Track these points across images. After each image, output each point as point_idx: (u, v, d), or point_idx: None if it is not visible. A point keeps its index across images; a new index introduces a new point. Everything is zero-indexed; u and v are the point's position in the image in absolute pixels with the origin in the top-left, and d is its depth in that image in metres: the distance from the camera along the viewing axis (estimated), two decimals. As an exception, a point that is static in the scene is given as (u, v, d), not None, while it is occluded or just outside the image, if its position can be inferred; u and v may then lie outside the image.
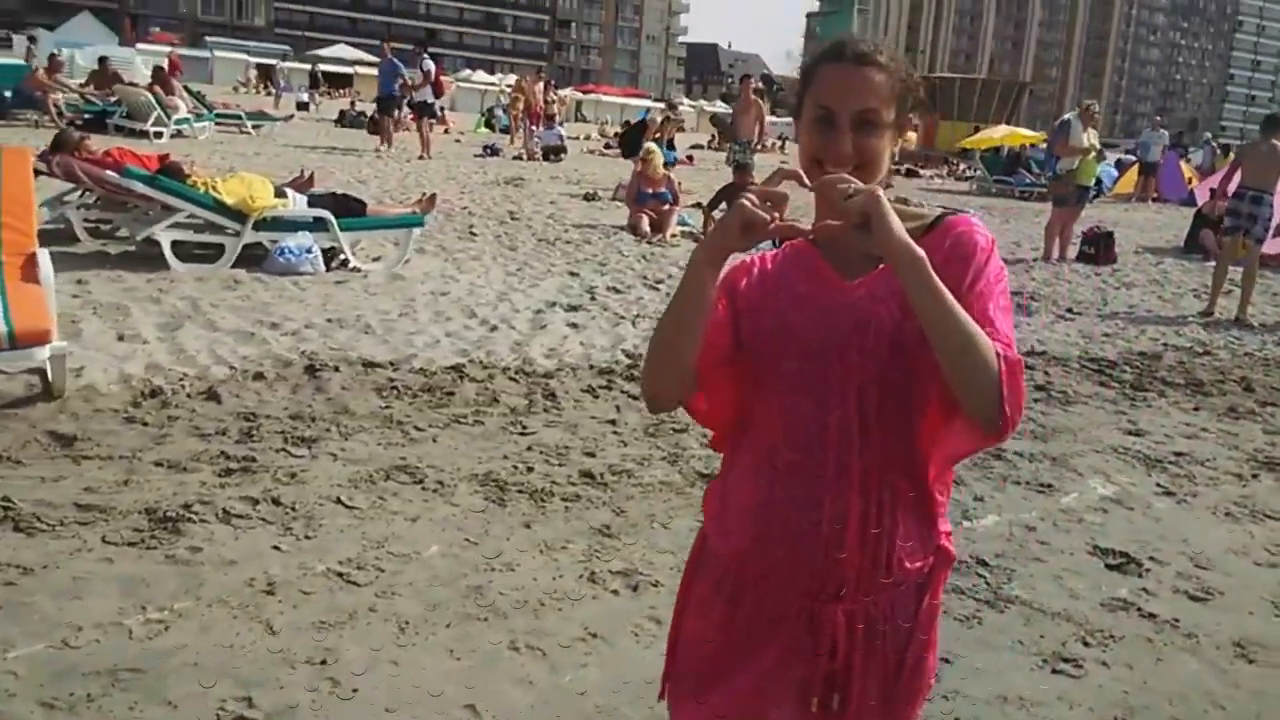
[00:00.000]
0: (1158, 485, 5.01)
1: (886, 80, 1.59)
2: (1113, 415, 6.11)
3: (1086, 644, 3.48)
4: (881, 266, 1.59)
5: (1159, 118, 27.91)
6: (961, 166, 31.49)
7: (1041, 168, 16.79)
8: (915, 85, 1.66)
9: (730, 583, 1.70)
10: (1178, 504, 4.82)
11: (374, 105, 21.67)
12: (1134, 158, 26.75)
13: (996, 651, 3.35)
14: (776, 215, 1.46)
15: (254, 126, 22.40)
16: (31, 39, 28.05)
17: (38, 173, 7.64)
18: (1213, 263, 11.30)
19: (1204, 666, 3.36)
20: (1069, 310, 9.32)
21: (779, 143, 43.81)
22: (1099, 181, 23.08)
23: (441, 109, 36.62)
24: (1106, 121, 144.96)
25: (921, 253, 1.44)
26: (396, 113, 20.49)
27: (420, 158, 18.64)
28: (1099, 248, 12.58)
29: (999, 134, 29.98)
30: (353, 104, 34.91)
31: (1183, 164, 26.19)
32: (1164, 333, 8.65)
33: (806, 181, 1.52)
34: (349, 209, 8.19)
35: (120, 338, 5.80)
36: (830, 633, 1.62)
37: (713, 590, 1.73)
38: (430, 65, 19.19)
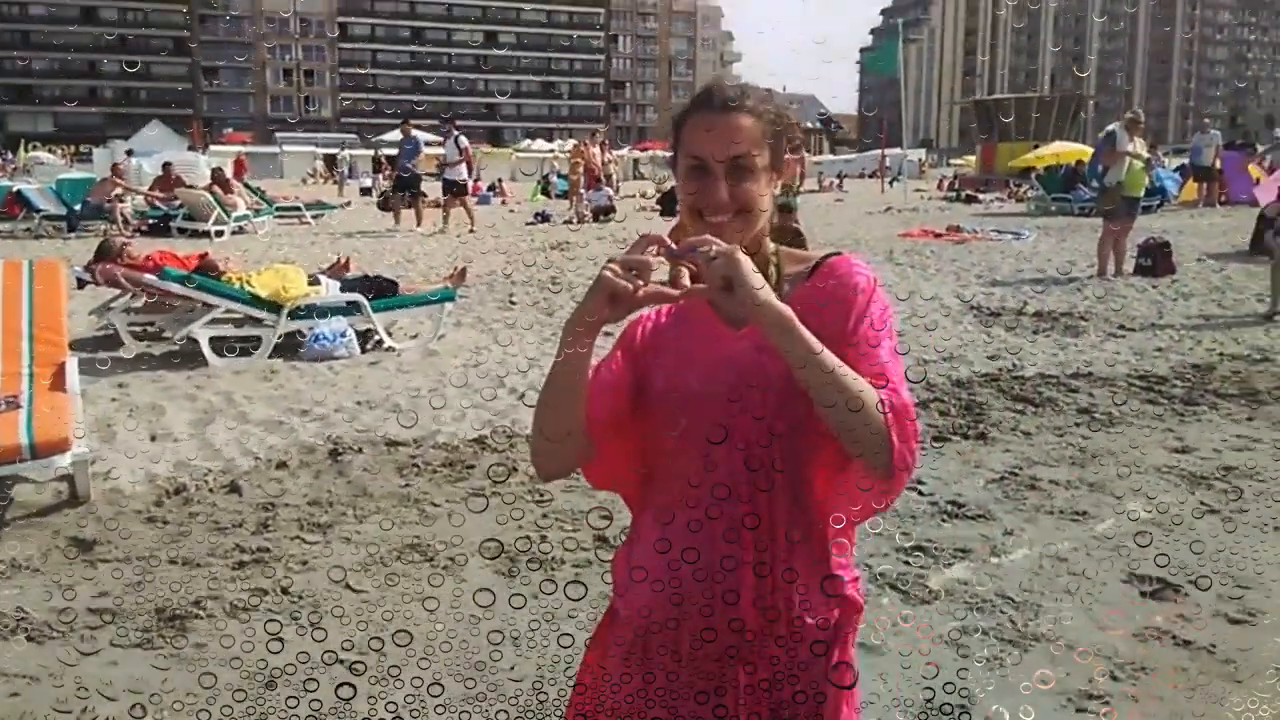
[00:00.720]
0: (1201, 503, 4.80)
1: (756, 124, 1.59)
2: (1159, 434, 5.88)
3: (1115, 679, 3.32)
4: None
5: (1207, 120, 27.17)
6: (1023, 188, 31.07)
7: (1092, 181, 16.43)
8: (789, 125, 1.65)
9: (640, 649, 1.65)
10: (1222, 522, 4.60)
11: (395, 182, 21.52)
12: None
13: (1017, 694, 3.21)
14: (641, 283, 1.43)
15: (314, 216, 22.96)
16: (129, 152, 29.62)
17: (83, 282, 7.96)
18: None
19: (1241, 694, 3.18)
20: (1120, 327, 9.04)
21: (837, 180, 43.77)
22: (1163, 190, 22.55)
23: (499, 180, 37.36)
24: (1177, 127, 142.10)
25: (787, 311, 1.42)
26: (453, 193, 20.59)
27: (472, 231, 18.84)
28: (1156, 259, 12.22)
29: (1048, 152, 29.59)
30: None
31: (1252, 165, 25.38)
32: (1221, 342, 8.34)
33: (671, 246, 1.49)
34: (381, 290, 8.33)
35: (152, 438, 5.92)
36: (735, 696, 1.57)
37: (623, 659, 1.68)
38: (465, 141, 19.30)
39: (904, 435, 1.43)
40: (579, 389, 1.55)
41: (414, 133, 20.65)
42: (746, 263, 1.41)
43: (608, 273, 1.44)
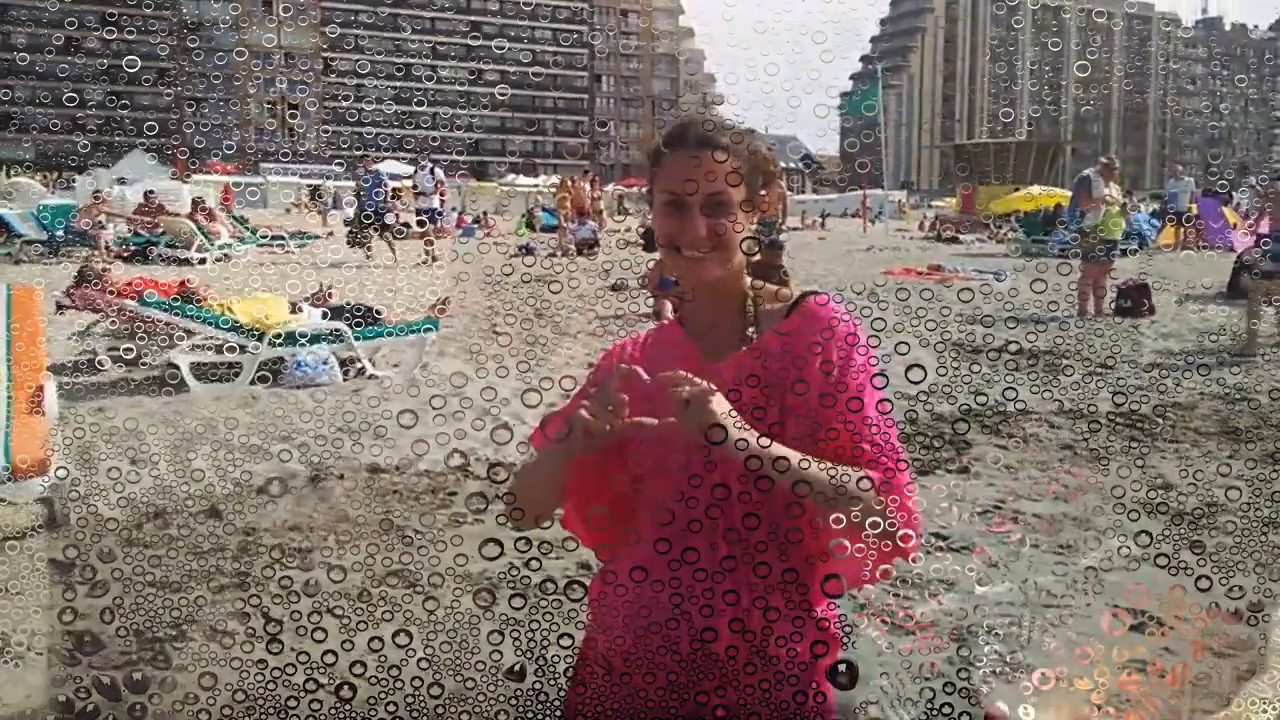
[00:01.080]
0: (1184, 539, 4.81)
1: (732, 161, 1.59)
2: (1141, 471, 5.91)
3: (1103, 709, 3.30)
4: (748, 348, 1.57)
5: (1180, 166, 27.63)
6: (1004, 229, 31.36)
7: (1066, 224, 16.62)
8: (764, 160, 1.65)
9: (620, 685, 1.64)
10: (1206, 557, 4.60)
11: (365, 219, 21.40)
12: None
13: (1003, 725, 3.19)
14: (617, 421, 1.46)
15: (297, 246, 22.94)
16: (121, 179, 29.55)
17: (62, 307, 7.91)
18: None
19: (1228, 729, 3.17)
20: (1102, 366, 9.11)
21: (820, 219, 44.10)
22: (1140, 234, 22.78)
23: (484, 214, 37.38)
24: (1154, 173, 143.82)
25: (756, 439, 1.44)
26: (422, 227, 20.44)
27: (434, 261, 18.73)
28: (1135, 300, 12.34)
29: (1023, 195, 30.05)
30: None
31: (1226, 210, 25.71)
32: (1201, 381, 8.40)
33: (645, 378, 1.51)
34: (364, 319, 8.31)
35: (133, 462, 5.87)
36: None
37: (602, 695, 1.67)
38: (440, 174, 19.34)
39: (902, 506, 1.46)
40: (555, 484, 1.63)
41: (375, 168, 20.65)
42: (719, 405, 1.43)
43: (583, 413, 1.46)
